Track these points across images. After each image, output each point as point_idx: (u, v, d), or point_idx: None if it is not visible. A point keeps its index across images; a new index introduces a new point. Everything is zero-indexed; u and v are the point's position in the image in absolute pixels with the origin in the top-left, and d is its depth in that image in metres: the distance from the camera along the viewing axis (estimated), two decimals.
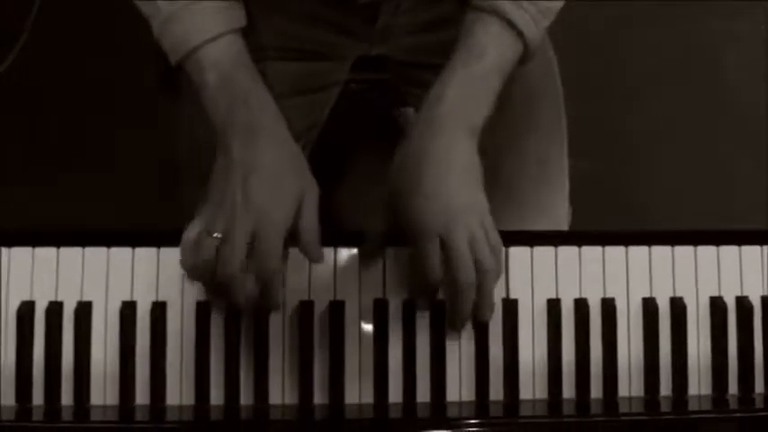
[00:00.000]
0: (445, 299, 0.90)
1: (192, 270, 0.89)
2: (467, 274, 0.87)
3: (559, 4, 0.96)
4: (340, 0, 1.04)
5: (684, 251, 0.94)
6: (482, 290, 0.89)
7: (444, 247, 0.87)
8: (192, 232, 0.89)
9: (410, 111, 1.70)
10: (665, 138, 1.89)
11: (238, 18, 0.93)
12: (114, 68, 1.82)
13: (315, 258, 0.90)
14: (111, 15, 1.82)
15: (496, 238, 0.90)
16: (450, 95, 0.91)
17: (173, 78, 1.18)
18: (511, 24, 0.92)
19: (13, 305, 0.90)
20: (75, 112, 1.82)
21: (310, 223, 0.89)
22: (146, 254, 0.91)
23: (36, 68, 1.83)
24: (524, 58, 0.95)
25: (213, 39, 0.91)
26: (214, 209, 0.88)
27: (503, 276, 0.92)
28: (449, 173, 0.89)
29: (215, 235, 0.86)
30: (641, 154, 1.90)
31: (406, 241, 0.90)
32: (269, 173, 0.88)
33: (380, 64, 1.16)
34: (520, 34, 0.93)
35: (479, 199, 0.90)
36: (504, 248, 0.91)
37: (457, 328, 0.91)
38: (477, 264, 0.88)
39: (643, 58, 1.91)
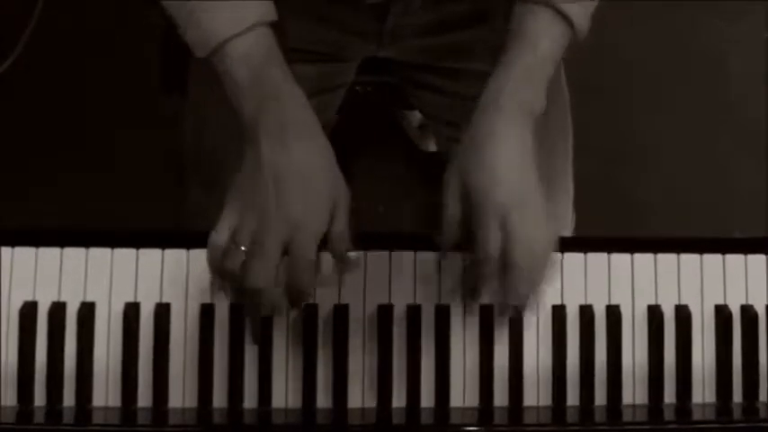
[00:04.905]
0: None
1: (221, 275, 0.87)
2: (525, 256, 0.86)
3: None
4: (349, 0, 1.04)
5: (690, 259, 0.94)
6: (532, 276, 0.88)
7: (505, 228, 0.86)
8: (220, 237, 0.86)
9: (415, 113, 1.71)
10: (667, 142, 1.89)
11: (269, 11, 0.91)
12: (117, 68, 1.82)
13: (347, 265, 0.89)
14: (112, 15, 1.82)
15: (550, 229, 0.89)
16: (511, 85, 0.91)
17: (176, 78, 1.18)
18: (561, 14, 0.93)
19: (16, 305, 0.89)
20: (78, 111, 1.82)
21: (343, 228, 0.88)
22: (149, 255, 0.90)
23: (38, 68, 1.83)
24: (573, 44, 0.96)
25: (243, 32, 0.88)
26: (243, 212, 0.85)
27: None
28: (516, 157, 0.89)
29: (244, 248, 0.84)
30: (644, 158, 1.89)
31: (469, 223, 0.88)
32: (302, 177, 0.85)
33: (385, 66, 1.16)
34: (570, 23, 0.94)
35: (537, 187, 0.89)
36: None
37: (505, 314, 0.90)
38: (532, 249, 0.87)
39: (644, 59, 1.92)
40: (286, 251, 0.85)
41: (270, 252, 0.84)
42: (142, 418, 0.88)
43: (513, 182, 0.88)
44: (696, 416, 0.90)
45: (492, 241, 0.86)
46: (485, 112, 0.92)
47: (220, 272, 0.87)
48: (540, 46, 0.93)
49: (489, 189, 0.87)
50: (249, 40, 0.89)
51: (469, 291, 0.91)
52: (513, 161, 0.89)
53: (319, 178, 0.87)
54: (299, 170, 0.86)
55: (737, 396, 0.92)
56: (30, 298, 0.90)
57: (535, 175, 0.90)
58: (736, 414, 0.91)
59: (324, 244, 0.87)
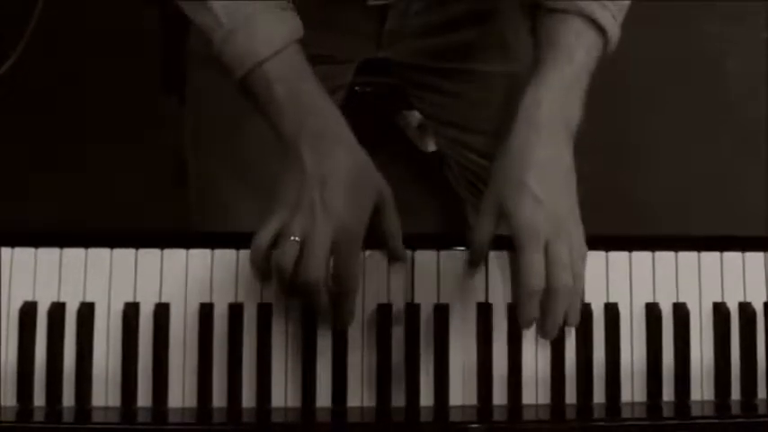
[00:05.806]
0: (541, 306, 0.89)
1: (264, 272, 0.88)
2: (567, 280, 0.87)
3: (628, 3, 0.97)
4: (349, 1, 1.04)
5: (688, 257, 0.94)
6: (575, 296, 0.89)
7: (547, 252, 0.87)
8: (266, 234, 0.87)
9: (414, 113, 1.71)
10: (667, 142, 1.89)
11: (299, 28, 0.91)
12: (117, 68, 1.82)
13: (402, 258, 0.91)
14: (112, 15, 1.82)
15: (585, 244, 0.91)
16: (547, 99, 0.91)
17: (176, 78, 1.18)
18: (594, 23, 0.93)
19: (16, 305, 0.89)
20: (78, 112, 1.82)
21: (394, 224, 0.90)
22: (149, 255, 0.91)
23: (38, 68, 1.83)
24: (604, 54, 0.96)
25: (279, 51, 0.89)
26: (290, 211, 0.87)
27: (507, 281, 0.92)
28: (555, 178, 0.90)
29: (293, 238, 0.85)
30: (644, 158, 1.89)
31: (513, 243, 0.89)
32: (345, 181, 0.87)
33: (384, 67, 1.16)
34: (602, 32, 0.94)
35: (575, 204, 0.91)
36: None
37: (550, 336, 0.90)
38: (573, 269, 0.88)
39: (643, 59, 1.92)
40: (333, 252, 0.86)
41: (319, 246, 0.85)
42: (142, 418, 0.88)
43: (558, 210, 0.88)
44: (695, 413, 0.91)
45: (537, 276, 0.86)
46: (520, 129, 0.91)
47: (265, 267, 0.88)
48: (575, 57, 0.93)
49: (535, 219, 0.87)
50: (285, 59, 0.89)
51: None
52: (556, 188, 0.89)
53: (360, 182, 0.88)
54: (341, 177, 0.87)
55: (736, 393, 0.92)
56: (30, 298, 0.90)
57: (574, 196, 0.91)
58: (735, 411, 0.91)
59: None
